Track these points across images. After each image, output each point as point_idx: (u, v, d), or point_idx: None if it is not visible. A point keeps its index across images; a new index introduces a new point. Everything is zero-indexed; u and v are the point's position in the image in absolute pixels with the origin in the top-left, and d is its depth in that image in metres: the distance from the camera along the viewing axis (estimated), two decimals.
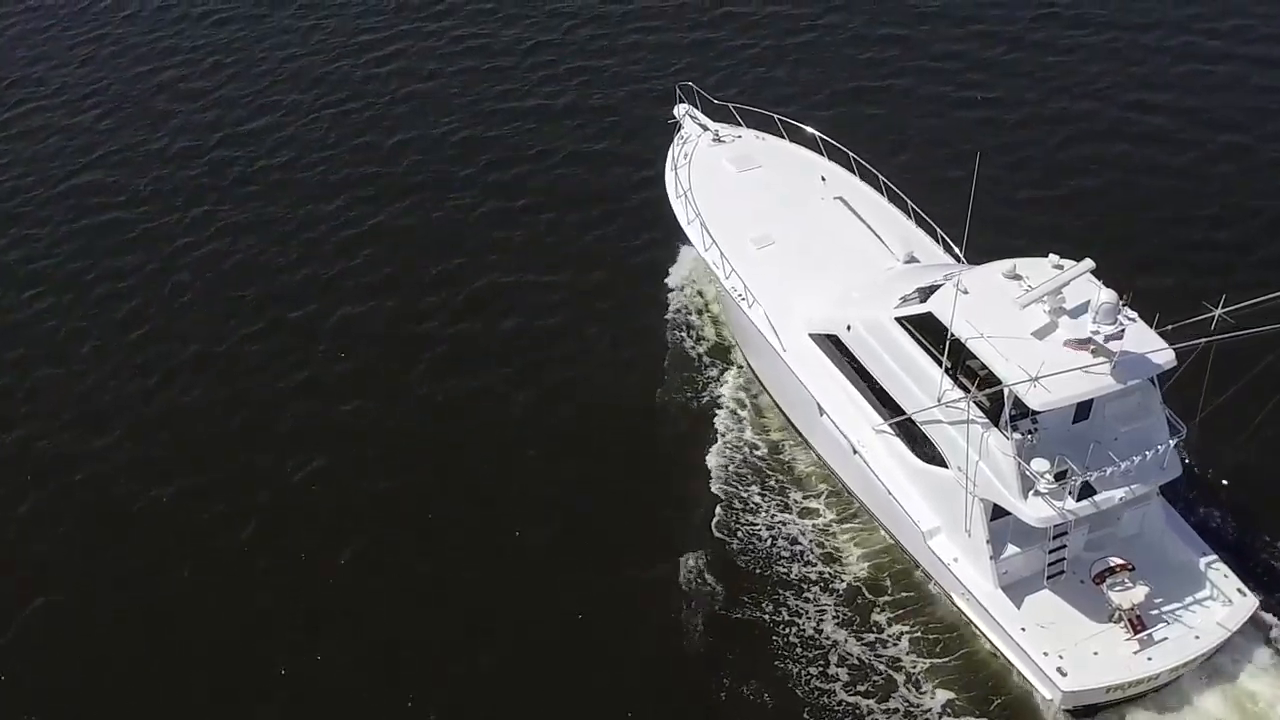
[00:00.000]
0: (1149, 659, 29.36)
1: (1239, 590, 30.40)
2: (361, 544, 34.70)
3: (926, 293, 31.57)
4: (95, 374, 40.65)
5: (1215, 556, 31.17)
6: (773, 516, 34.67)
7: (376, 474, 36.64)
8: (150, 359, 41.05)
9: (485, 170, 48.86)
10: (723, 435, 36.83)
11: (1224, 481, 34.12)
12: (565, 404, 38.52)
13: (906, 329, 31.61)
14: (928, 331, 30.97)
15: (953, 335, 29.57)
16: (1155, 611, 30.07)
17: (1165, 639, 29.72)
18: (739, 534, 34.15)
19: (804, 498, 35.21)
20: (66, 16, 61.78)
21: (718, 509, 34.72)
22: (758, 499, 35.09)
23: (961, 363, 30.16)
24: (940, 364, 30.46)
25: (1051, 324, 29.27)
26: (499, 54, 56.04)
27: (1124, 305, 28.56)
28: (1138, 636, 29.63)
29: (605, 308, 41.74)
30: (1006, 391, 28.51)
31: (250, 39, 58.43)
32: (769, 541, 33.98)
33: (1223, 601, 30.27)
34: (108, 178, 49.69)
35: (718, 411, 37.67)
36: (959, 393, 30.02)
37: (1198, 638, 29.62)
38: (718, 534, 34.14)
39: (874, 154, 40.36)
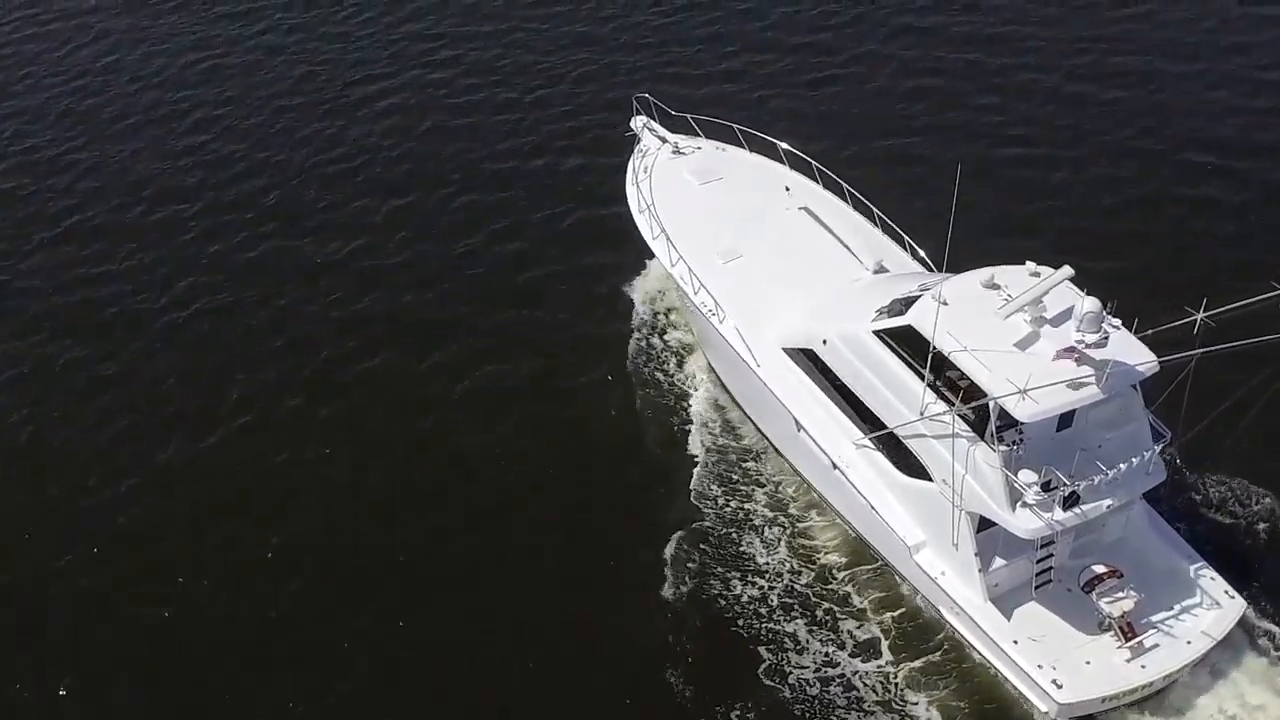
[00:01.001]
0: (1143, 666, 29.25)
1: (1226, 593, 30.37)
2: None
3: (905, 305, 31.25)
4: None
5: (1201, 560, 31.14)
6: (752, 532, 34.37)
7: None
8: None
9: (441, 188, 48.15)
10: (697, 453, 36.48)
11: (1205, 483, 34.10)
12: (533, 429, 37.98)
13: (885, 342, 31.27)
14: (908, 344, 30.65)
15: (935, 348, 29.26)
16: (1145, 618, 29.93)
17: (1157, 645, 29.64)
18: (717, 550, 33.84)
19: (783, 511, 34.86)
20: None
21: (693, 524, 34.48)
22: (736, 514, 34.76)
23: (943, 375, 29.87)
24: (922, 377, 30.15)
25: (1034, 334, 29.05)
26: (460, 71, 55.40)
27: (1108, 313, 28.39)
28: (1129, 644, 29.52)
29: (570, 327, 41.21)
30: (992, 404, 28.25)
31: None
32: (750, 559, 33.68)
33: (1211, 605, 30.22)
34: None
35: (689, 429, 37.27)
36: (942, 406, 29.71)
37: (1189, 643, 29.55)
38: (696, 549, 33.86)
39: (835, 162, 40.06)
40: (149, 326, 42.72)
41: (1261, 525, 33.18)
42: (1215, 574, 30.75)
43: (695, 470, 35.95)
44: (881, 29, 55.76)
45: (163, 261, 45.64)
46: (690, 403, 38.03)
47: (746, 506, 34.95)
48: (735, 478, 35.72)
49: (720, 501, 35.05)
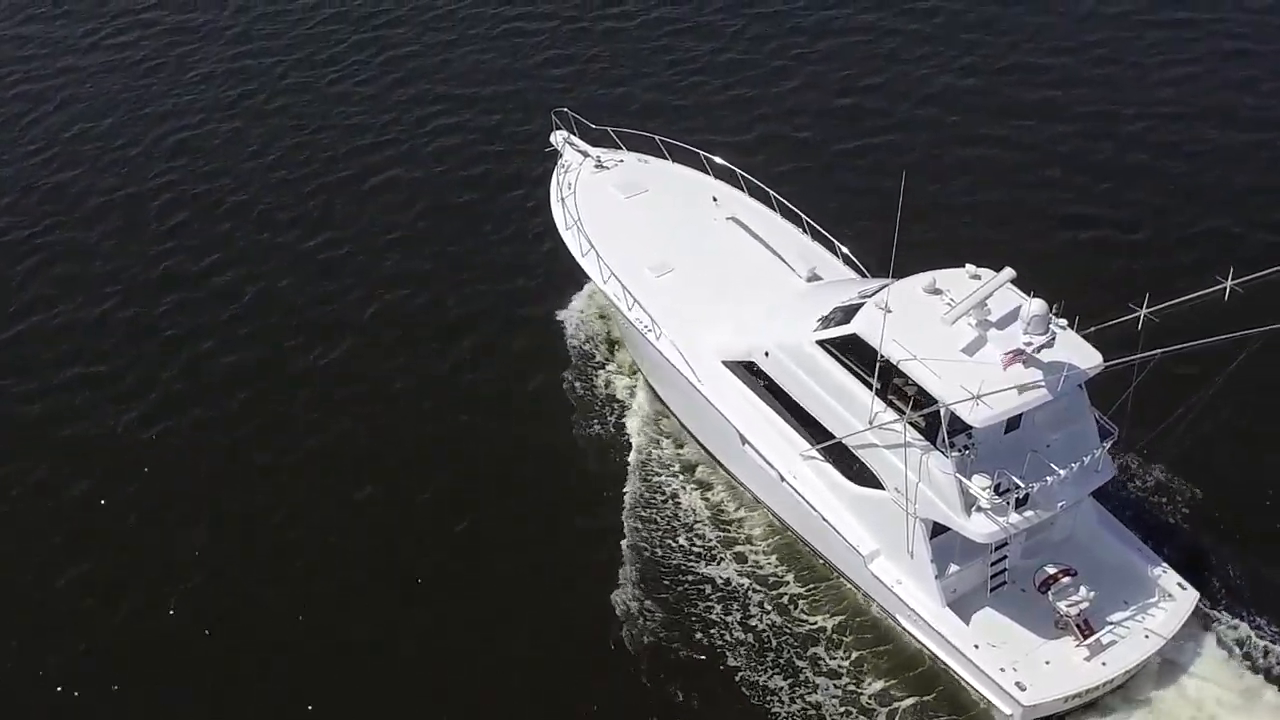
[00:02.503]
0: (1103, 664, 29.40)
1: (1179, 585, 30.64)
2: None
3: (848, 313, 31.09)
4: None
5: (1152, 553, 31.42)
6: (698, 546, 34.05)
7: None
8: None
9: (361, 208, 47.23)
10: (636, 471, 36.04)
11: (1151, 477, 34.41)
12: (468, 452, 37.34)
13: (830, 352, 31.09)
14: (853, 353, 30.50)
15: (883, 357, 29.13)
16: (1101, 615, 30.07)
17: (1114, 641, 29.81)
18: (665, 564, 33.55)
19: (728, 524, 34.62)
20: None
21: (635, 541, 34.15)
22: (678, 531, 34.42)
23: (891, 383, 29.76)
24: (869, 385, 30.01)
25: (981, 338, 29.06)
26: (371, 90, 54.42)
27: (1054, 313, 28.47)
28: (1087, 642, 29.64)
29: (502, 349, 40.54)
30: (943, 410, 28.18)
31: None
32: (695, 573, 33.45)
33: (1164, 598, 30.46)
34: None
35: (628, 446, 36.86)
36: (892, 414, 29.60)
37: (1146, 637, 29.76)
38: (640, 567, 33.53)
39: (761, 169, 39.88)
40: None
41: (1207, 516, 33.53)
42: (1166, 567, 31.00)
43: (631, 488, 35.53)
44: (803, 34, 55.60)
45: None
46: (627, 420, 37.59)
47: (688, 522, 34.64)
48: (677, 494, 35.36)
49: (661, 519, 34.71)
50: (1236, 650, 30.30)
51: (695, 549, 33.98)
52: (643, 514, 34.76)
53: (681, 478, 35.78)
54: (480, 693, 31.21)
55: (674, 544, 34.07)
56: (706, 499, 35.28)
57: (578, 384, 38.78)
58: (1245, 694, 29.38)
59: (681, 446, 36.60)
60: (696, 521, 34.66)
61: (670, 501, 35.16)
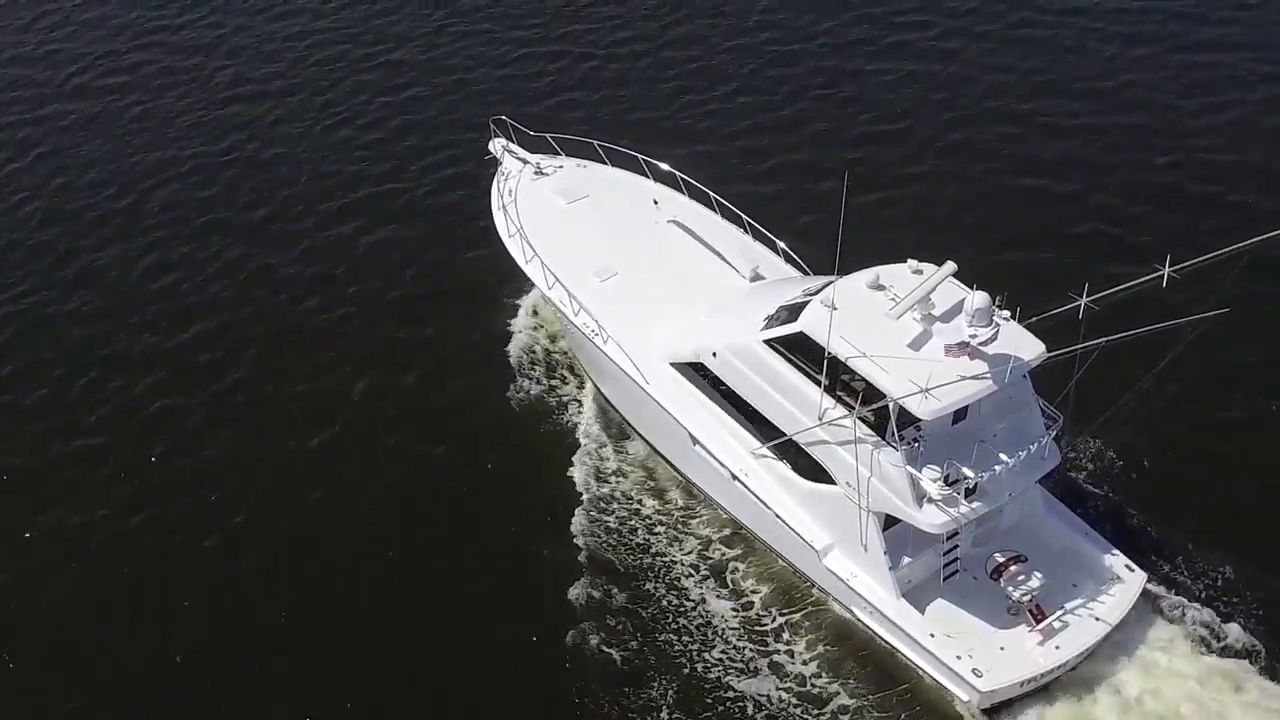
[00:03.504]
0: (1056, 647, 29.91)
1: (1127, 566, 31.24)
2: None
3: (794, 311, 31.43)
4: None
5: (1098, 537, 32.04)
6: (654, 545, 34.34)
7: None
8: None
9: (300, 220, 47.08)
10: (587, 474, 36.22)
11: (1095, 462, 35.04)
12: (414, 463, 37.33)
13: (777, 350, 31.42)
14: (801, 351, 30.86)
15: (830, 354, 29.48)
16: (1052, 599, 30.58)
17: (1067, 625, 30.32)
18: (622, 566, 33.74)
19: (680, 523, 34.91)
20: None
21: (591, 546, 34.28)
22: (635, 531, 34.63)
23: (839, 379, 30.11)
24: (818, 383, 30.38)
25: (926, 332, 29.51)
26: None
27: (997, 305, 28.94)
28: (1040, 627, 30.12)
29: (449, 359, 40.55)
30: (892, 404, 28.57)
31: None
32: (655, 571, 33.68)
33: (1113, 580, 31.05)
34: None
35: (576, 450, 36.99)
36: (841, 410, 29.97)
37: (1097, 619, 30.30)
38: (597, 570, 33.70)
39: (700, 171, 40.08)
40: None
41: (1151, 499, 34.17)
42: (1114, 550, 31.60)
43: (584, 492, 35.71)
44: (740, 36, 56.02)
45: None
46: (578, 424, 37.75)
47: (644, 522, 34.89)
48: (630, 495, 35.62)
49: (615, 520, 34.91)
50: (1185, 628, 30.89)
51: (650, 548, 34.21)
52: (597, 516, 34.92)
53: (633, 480, 35.96)
54: (444, 690, 31.45)
55: (630, 543, 34.29)
56: (659, 499, 35.51)
57: (525, 392, 38.87)
58: (1194, 669, 29.96)
59: (631, 449, 36.75)
60: (651, 521, 34.90)
61: (623, 503, 35.37)
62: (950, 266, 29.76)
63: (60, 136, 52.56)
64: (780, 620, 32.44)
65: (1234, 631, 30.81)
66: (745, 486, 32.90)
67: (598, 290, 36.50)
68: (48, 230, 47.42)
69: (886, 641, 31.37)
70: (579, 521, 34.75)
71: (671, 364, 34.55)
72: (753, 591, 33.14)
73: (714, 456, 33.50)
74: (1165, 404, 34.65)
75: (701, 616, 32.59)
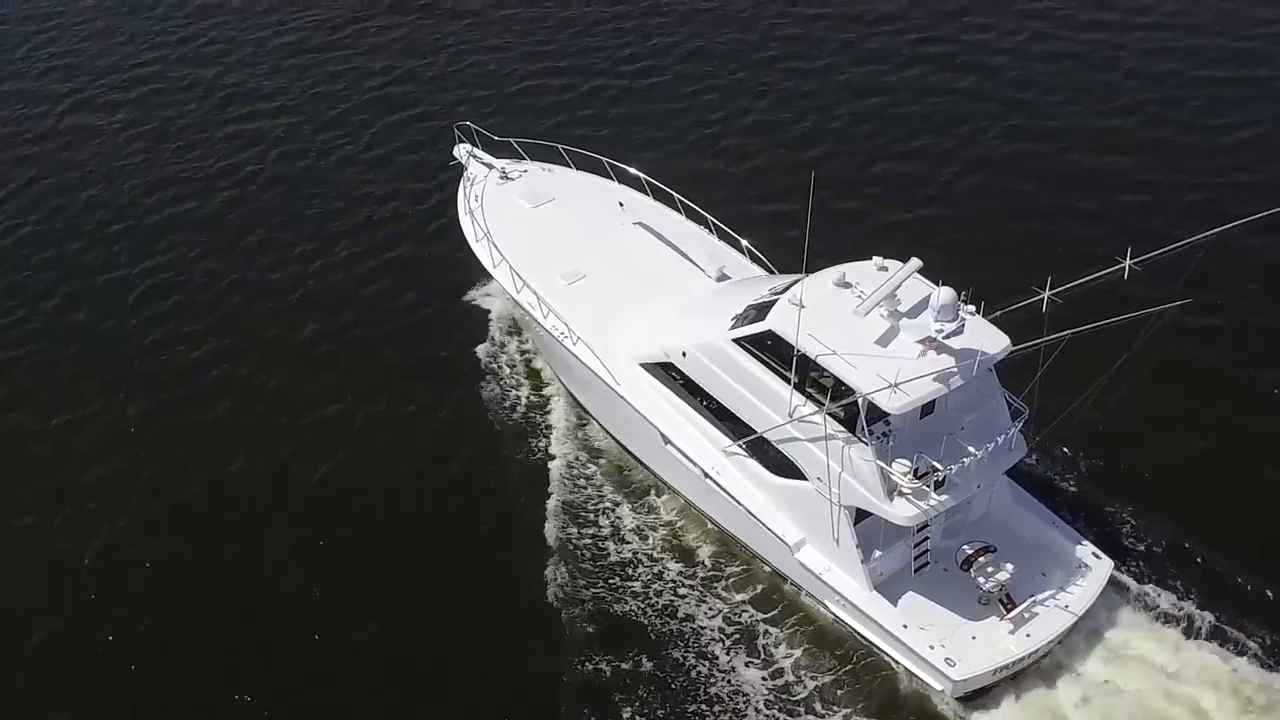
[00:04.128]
0: (1027, 635, 30.37)
1: (1094, 554, 31.75)
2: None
3: (761, 310, 31.80)
4: None
5: (1065, 526, 32.54)
6: (627, 545, 34.69)
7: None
8: None
9: (268, 234, 47.12)
10: (559, 477, 36.48)
11: (1060, 452, 35.59)
12: (386, 470, 37.46)
13: (746, 349, 31.76)
14: (769, 349, 31.21)
15: (800, 351, 29.87)
16: (1022, 588, 31.07)
17: (1037, 614, 30.78)
18: (596, 568, 34.03)
19: (653, 523, 35.30)
20: None
21: (567, 547, 34.57)
22: (606, 536, 34.93)
23: (808, 376, 30.49)
24: (787, 380, 30.75)
25: (893, 328, 29.91)
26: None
27: (964, 300, 29.39)
28: (1011, 616, 30.61)
29: (421, 365, 40.67)
30: (861, 399, 28.97)
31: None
32: (626, 570, 34.04)
33: (1081, 568, 31.55)
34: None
35: (549, 451, 37.34)
36: (811, 406, 30.35)
37: (1066, 607, 30.79)
38: (570, 571, 33.97)
39: (663, 172, 40.45)
40: None
41: (1117, 488, 34.77)
42: (1081, 538, 32.12)
43: (554, 494, 35.98)
44: (697, 39, 56.47)
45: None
46: (548, 428, 38.03)
47: (615, 523, 35.21)
48: (603, 496, 35.92)
49: (588, 522, 35.23)
50: (1152, 612, 31.51)
51: (623, 547, 34.57)
52: (569, 517, 35.26)
53: (605, 481, 36.26)
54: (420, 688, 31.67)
55: (601, 545, 34.60)
56: (631, 500, 35.80)
57: (494, 396, 39.10)
58: (1162, 654, 30.53)
59: (603, 450, 37.07)
60: (621, 521, 35.26)
61: (596, 504, 35.66)
62: (915, 263, 30.21)
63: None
64: (754, 613, 32.84)
65: (1200, 616, 31.31)
66: (717, 484, 33.24)
67: (566, 293, 36.78)
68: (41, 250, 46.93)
69: (860, 634, 31.76)
70: (547, 521, 35.31)
71: (641, 364, 34.85)
72: (726, 586, 33.52)
73: (685, 455, 33.82)
74: (1128, 395, 35.07)
75: (671, 605, 33.19)
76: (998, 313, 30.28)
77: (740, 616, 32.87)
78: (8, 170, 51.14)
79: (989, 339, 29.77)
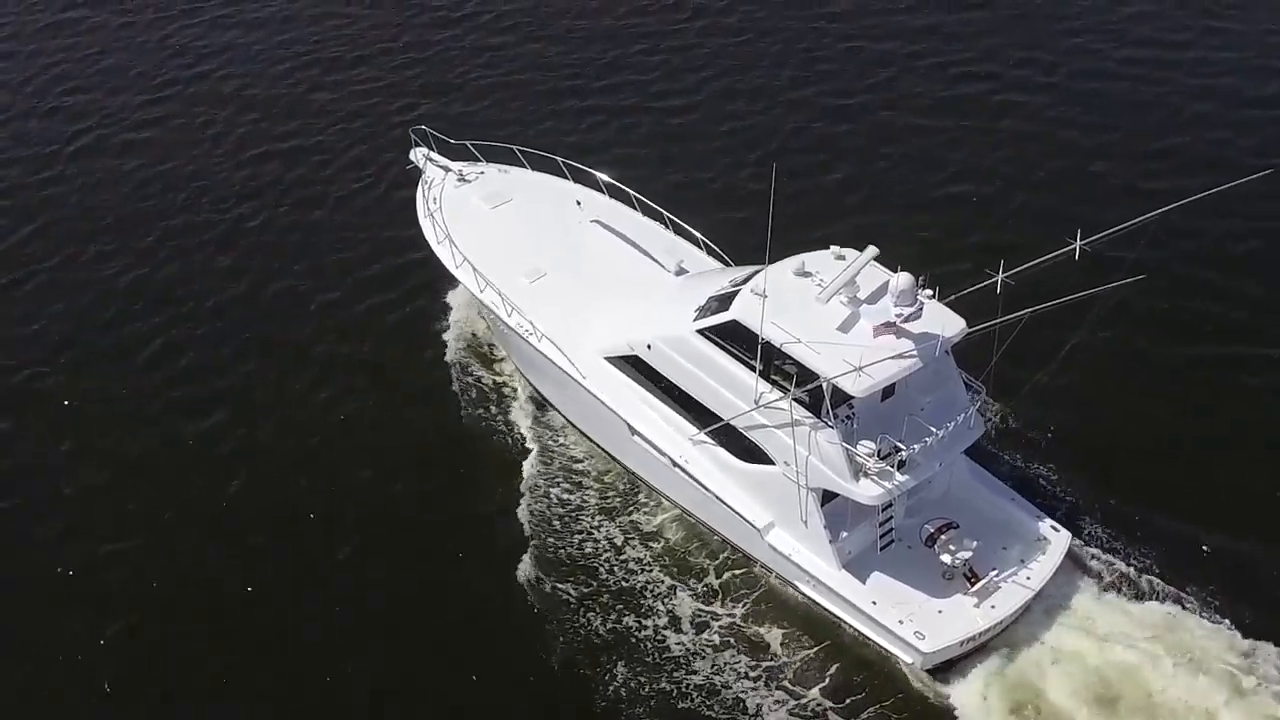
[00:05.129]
0: (992, 607, 31.45)
1: (1052, 527, 32.89)
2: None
3: (723, 301, 32.66)
4: None
5: (1024, 500, 33.68)
6: (599, 534, 35.44)
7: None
8: None
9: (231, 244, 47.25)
10: (529, 474, 37.13)
11: (1016, 430, 36.67)
12: (354, 470, 37.91)
13: (711, 339, 32.60)
14: (734, 338, 32.06)
15: (764, 340, 30.74)
16: (985, 562, 32.12)
17: (1000, 586, 31.85)
18: (568, 561, 34.75)
19: (623, 512, 36.10)
20: None
21: (538, 538, 35.32)
22: (581, 531, 35.62)
23: (772, 364, 31.37)
24: (753, 368, 31.61)
25: (854, 315, 30.88)
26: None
27: (922, 285, 30.37)
28: (975, 590, 31.65)
29: (385, 369, 41.15)
30: (825, 384, 29.87)
31: None
32: (598, 559, 34.83)
33: (1040, 541, 32.67)
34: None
35: (518, 448, 38.01)
36: (777, 393, 31.22)
37: (1029, 578, 31.89)
38: (544, 565, 34.68)
39: (619, 171, 41.20)
40: None
41: (1071, 462, 35.98)
42: (1039, 513, 33.29)
43: (527, 491, 36.63)
44: (642, 40, 57.17)
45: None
46: (515, 425, 38.68)
47: (589, 517, 35.91)
48: (574, 490, 36.61)
49: (560, 515, 35.92)
50: (1109, 581, 32.78)
51: (595, 538, 35.30)
52: (542, 511, 35.98)
53: (574, 472, 37.02)
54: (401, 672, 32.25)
55: (575, 537, 35.34)
56: (600, 491, 36.60)
57: (461, 396, 39.72)
58: (1122, 619, 31.72)
59: (570, 444, 37.81)
60: (595, 514, 36.02)
61: (567, 498, 36.36)
62: (872, 250, 31.20)
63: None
64: (727, 597, 33.76)
65: (1155, 582, 32.64)
66: (685, 472, 34.05)
67: (528, 291, 37.45)
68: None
69: (831, 612, 32.70)
70: (521, 516, 35.97)
71: (606, 358, 35.57)
72: (698, 571, 34.40)
73: (653, 445, 34.60)
74: (1080, 371, 36.30)
75: (645, 589, 34.06)
76: (952, 297, 31.31)
77: (710, 599, 33.72)
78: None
79: (946, 322, 30.81)
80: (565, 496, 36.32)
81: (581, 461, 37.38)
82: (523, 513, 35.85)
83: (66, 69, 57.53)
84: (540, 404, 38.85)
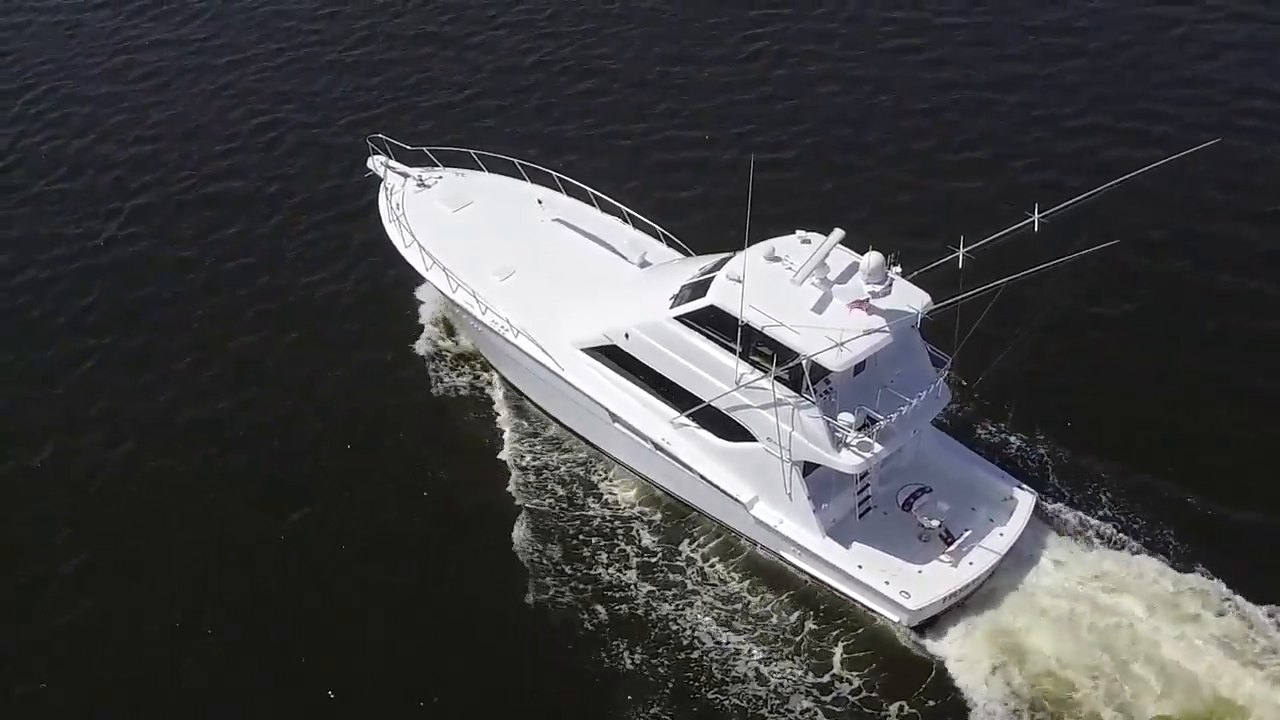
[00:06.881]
0: (970, 564, 33.31)
1: (1019, 488, 34.82)
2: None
3: (699, 288, 34.09)
4: None
5: (990, 464, 35.65)
6: (586, 520, 36.72)
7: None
8: None
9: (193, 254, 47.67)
10: (513, 468, 38.23)
11: (980, 398, 38.35)
12: (335, 474, 38.74)
13: (689, 324, 33.98)
14: (713, 323, 33.48)
15: (744, 323, 32.24)
16: (958, 523, 34.01)
17: (973, 545, 33.71)
18: (555, 553, 35.91)
19: (611, 499, 37.42)
20: None
21: (530, 524, 36.52)
22: (565, 510, 36.98)
23: (751, 345, 32.89)
24: (732, 350, 33.09)
25: (827, 294, 32.46)
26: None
27: (890, 263, 32.07)
28: (951, 550, 33.50)
29: (360, 374, 41.93)
30: (805, 361, 31.45)
31: None
32: (590, 545, 36.08)
33: (1008, 500, 34.60)
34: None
35: (499, 441, 39.11)
36: (757, 373, 32.75)
37: (1001, 534, 33.83)
38: (534, 553, 35.86)
39: (574, 168, 42.66)
40: None
41: (1034, 426, 37.84)
42: (1005, 474, 35.26)
43: (514, 484, 37.74)
44: (595, 40, 58.21)
45: None
46: (494, 421, 39.77)
47: (578, 508, 37.15)
48: (559, 484, 37.81)
49: (549, 507, 37.09)
50: (1076, 533, 34.86)
51: (587, 524, 36.61)
52: (530, 505, 37.09)
53: (556, 462, 38.31)
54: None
55: (569, 529, 36.56)
56: (587, 480, 37.95)
57: (437, 396, 40.72)
58: (1089, 568, 33.80)
59: (552, 438, 39.08)
60: (585, 504, 37.30)
61: (554, 489, 37.62)
62: (839, 233, 32.82)
63: None
64: (721, 572, 35.32)
65: (1118, 534, 34.72)
66: (669, 455, 35.45)
67: (500, 289, 38.56)
68: None
69: (817, 578, 34.35)
70: (509, 512, 37.02)
71: (583, 349, 36.82)
72: (690, 550, 35.88)
73: (635, 431, 35.96)
74: (1041, 339, 38.18)
75: (638, 569, 35.38)
76: (915, 273, 33.02)
77: (706, 574, 35.22)
78: None
79: (913, 297, 32.60)
80: (554, 488, 37.59)
81: (559, 445, 38.76)
82: (507, 498, 37.06)
83: None
84: (518, 400, 39.94)
